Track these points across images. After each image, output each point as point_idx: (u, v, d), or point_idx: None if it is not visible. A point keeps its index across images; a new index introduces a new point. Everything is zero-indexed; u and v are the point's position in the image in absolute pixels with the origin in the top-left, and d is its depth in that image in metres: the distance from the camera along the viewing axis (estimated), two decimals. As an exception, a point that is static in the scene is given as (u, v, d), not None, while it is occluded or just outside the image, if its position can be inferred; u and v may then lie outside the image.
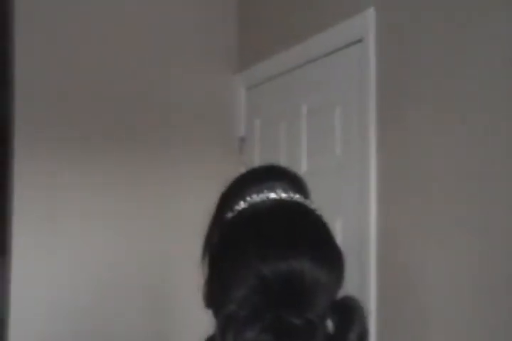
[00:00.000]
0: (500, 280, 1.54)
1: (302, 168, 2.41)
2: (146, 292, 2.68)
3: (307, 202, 1.01)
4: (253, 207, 0.97)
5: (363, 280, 1.98)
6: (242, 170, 1.13)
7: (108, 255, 2.64)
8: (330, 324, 0.90)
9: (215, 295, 0.97)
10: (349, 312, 0.89)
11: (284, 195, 0.99)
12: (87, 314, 2.57)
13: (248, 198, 0.99)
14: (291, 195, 1.00)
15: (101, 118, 2.70)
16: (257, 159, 2.71)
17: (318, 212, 1.01)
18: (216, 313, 0.95)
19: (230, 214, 0.99)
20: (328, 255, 0.95)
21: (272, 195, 0.99)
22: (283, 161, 2.49)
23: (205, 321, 0.97)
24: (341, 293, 0.95)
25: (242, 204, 0.99)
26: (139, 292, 2.66)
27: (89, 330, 2.57)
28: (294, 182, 1.05)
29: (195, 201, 2.63)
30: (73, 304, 2.56)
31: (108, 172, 2.69)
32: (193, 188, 2.76)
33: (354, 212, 2.09)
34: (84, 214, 2.63)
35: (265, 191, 0.99)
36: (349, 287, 1.97)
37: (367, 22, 2.08)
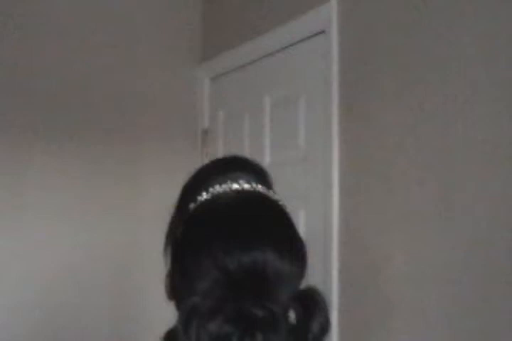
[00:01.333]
0: (463, 266, 1.56)
1: (266, 159, 2.41)
2: (112, 282, 2.66)
3: (270, 193, 1.01)
4: (215, 198, 0.97)
5: (326, 271, 1.99)
6: (206, 162, 1.12)
7: (71, 248, 2.61)
8: (292, 315, 0.90)
9: (177, 287, 0.96)
10: (311, 303, 0.89)
11: (246, 186, 0.99)
12: (53, 305, 2.54)
13: (211, 189, 0.98)
14: (254, 185, 1.00)
15: (61, 110, 2.66)
16: (221, 151, 2.71)
17: (281, 203, 1.01)
18: (178, 305, 0.94)
19: (192, 205, 0.98)
20: (291, 246, 0.95)
21: (235, 186, 0.98)
22: (247, 153, 2.48)
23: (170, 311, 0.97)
24: (304, 284, 0.95)
25: (204, 195, 0.98)
26: (104, 282, 2.64)
27: (58, 320, 2.54)
28: (257, 173, 1.05)
29: (159, 193, 2.62)
30: (38, 295, 2.53)
31: (69, 165, 2.65)
32: (156, 181, 2.74)
33: (317, 203, 2.09)
34: (46, 206, 2.59)
35: (228, 182, 0.99)
36: (312, 278, 1.98)
37: (329, 13, 2.09)
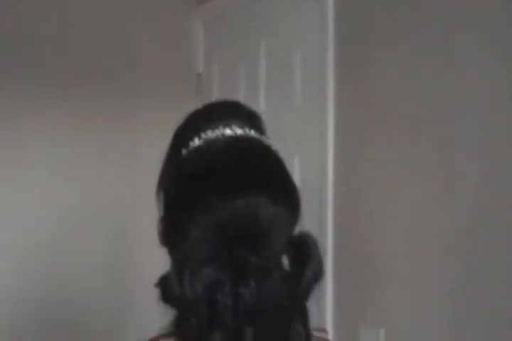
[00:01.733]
0: (456, 227, 1.56)
1: (261, 106, 2.38)
2: (107, 231, 2.66)
3: (263, 138, 0.99)
4: (208, 144, 0.95)
5: (321, 217, 1.99)
6: (198, 106, 1.10)
7: (67, 197, 2.59)
8: (286, 261, 0.90)
9: (170, 234, 0.95)
10: (305, 249, 0.89)
11: (239, 131, 0.97)
12: (47, 260, 2.55)
13: (203, 135, 0.96)
14: (247, 131, 0.98)
15: (53, 62, 2.60)
16: (215, 96, 2.66)
17: (275, 148, 1.00)
18: (171, 251, 0.94)
19: (184, 151, 0.96)
20: (285, 192, 0.94)
21: (228, 132, 0.96)
22: (241, 98, 2.45)
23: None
24: (298, 230, 0.95)
25: (196, 141, 0.96)
26: (99, 230, 2.64)
27: (52, 273, 2.55)
28: (250, 118, 1.03)
29: (153, 138, 2.59)
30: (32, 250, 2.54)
31: (63, 114, 2.61)
32: (149, 125, 2.71)
33: (313, 150, 2.08)
34: (39, 159, 2.57)
35: (220, 127, 0.97)
36: (307, 224, 1.98)
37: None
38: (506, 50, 1.48)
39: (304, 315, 0.88)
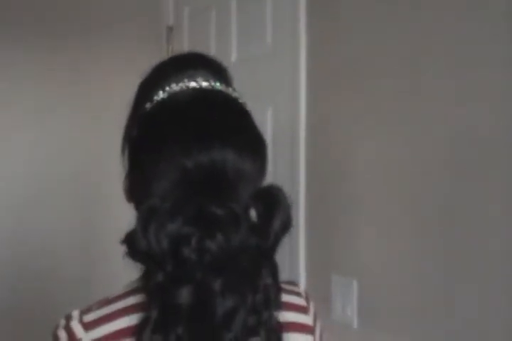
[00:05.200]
0: (430, 169, 1.56)
1: (233, 57, 2.35)
2: (77, 183, 2.65)
3: (229, 91, 0.97)
4: (172, 97, 0.94)
5: (293, 169, 1.99)
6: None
7: (35, 152, 2.57)
8: (254, 213, 0.90)
9: (136, 189, 0.95)
10: (272, 201, 0.89)
11: (204, 84, 0.95)
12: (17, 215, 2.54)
13: (167, 88, 0.95)
14: (213, 83, 0.96)
15: (17, 15, 2.54)
16: (186, 49, 2.62)
17: (242, 101, 0.98)
18: (138, 207, 0.93)
19: (148, 105, 0.95)
20: (251, 144, 0.93)
21: (193, 84, 0.95)
22: (213, 50, 2.42)
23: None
24: (267, 183, 0.94)
25: (161, 94, 0.95)
26: (68, 184, 2.63)
27: (25, 229, 2.55)
28: (216, 70, 1.01)
29: (121, 92, 2.54)
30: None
31: (26, 68, 2.56)
32: (118, 79, 2.66)
33: (285, 101, 2.06)
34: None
35: (185, 80, 0.95)
36: (279, 175, 1.98)
37: None
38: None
39: (273, 267, 0.89)
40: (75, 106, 2.64)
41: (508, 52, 1.36)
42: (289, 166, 1.99)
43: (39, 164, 2.58)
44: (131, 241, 0.83)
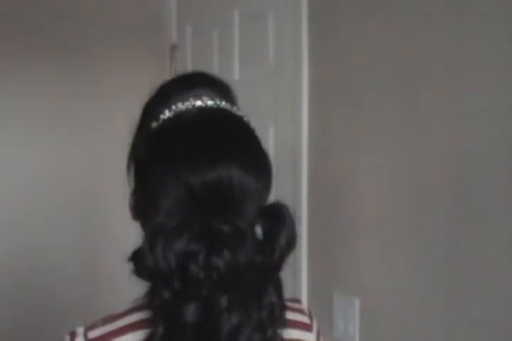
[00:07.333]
0: (431, 187, 1.57)
1: (235, 76, 2.37)
2: (78, 200, 2.65)
3: (234, 109, 0.99)
4: (178, 116, 0.95)
5: (295, 187, 1.99)
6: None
7: (37, 166, 2.58)
8: (259, 230, 0.91)
9: (142, 207, 0.95)
10: (277, 218, 0.90)
11: (210, 103, 0.97)
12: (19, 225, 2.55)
13: (173, 107, 0.96)
14: (218, 102, 0.98)
15: (18, 27, 2.56)
16: (189, 67, 2.65)
17: (246, 119, 1.00)
18: (144, 225, 0.94)
19: (154, 124, 0.96)
20: (256, 161, 0.94)
21: (198, 103, 0.96)
22: (215, 69, 2.44)
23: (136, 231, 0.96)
24: (273, 200, 0.95)
25: (167, 113, 0.96)
26: (70, 200, 2.63)
27: (23, 237, 2.55)
28: (220, 89, 1.03)
29: (126, 111, 2.56)
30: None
31: (34, 83, 2.58)
32: (122, 98, 2.68)
33: (287, 120, 2.08)
34: (9, 128, 2.55)
35: (191, 99, 0.97)
36: (282, 194, 1.99)
37: None
38: None
39: (277, 285, 0.89)
40: (76, 125, 2.65)
41: (510, 69, 1.38)
42: (290, 183, 2.00)
43: (39, 178, 2.59)
44: (138, 259, 0.84)
